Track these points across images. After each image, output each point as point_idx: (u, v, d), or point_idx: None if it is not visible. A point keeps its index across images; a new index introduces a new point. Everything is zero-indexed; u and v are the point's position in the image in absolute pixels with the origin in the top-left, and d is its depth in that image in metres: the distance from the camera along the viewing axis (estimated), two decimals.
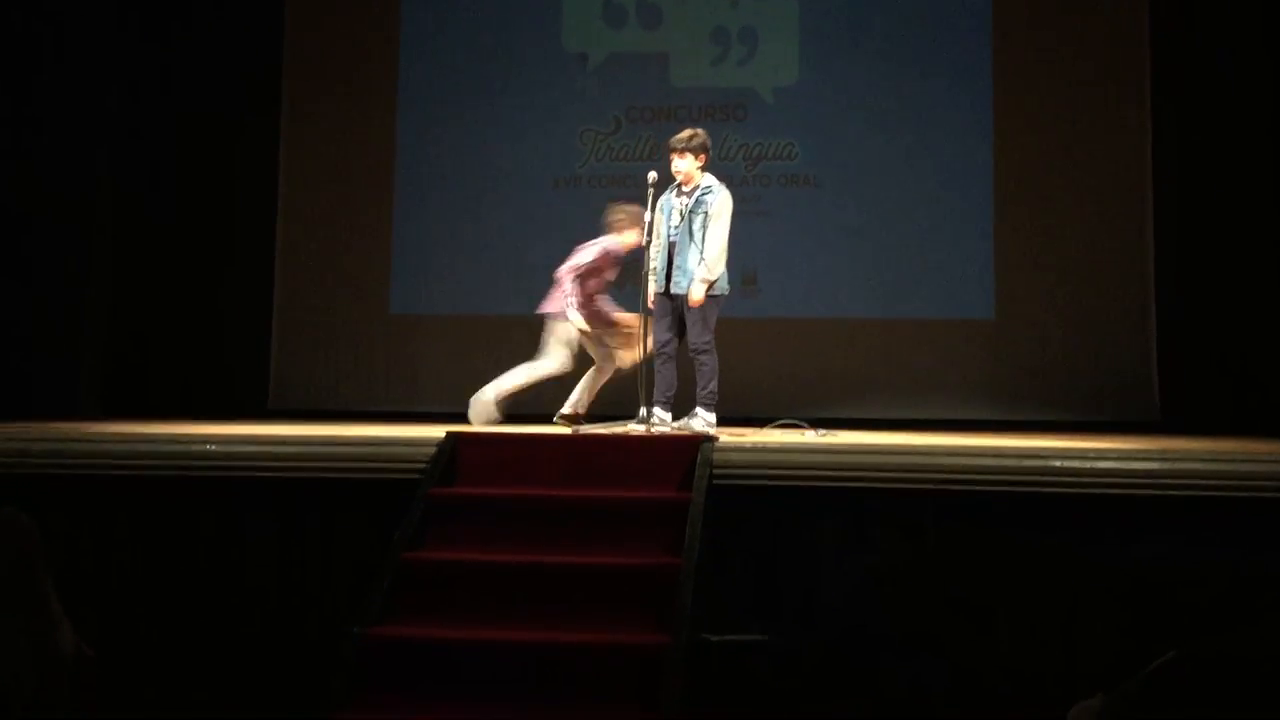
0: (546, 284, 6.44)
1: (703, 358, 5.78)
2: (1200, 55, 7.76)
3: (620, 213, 6.46)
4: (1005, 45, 8.10)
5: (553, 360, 6.48)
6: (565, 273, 6.37)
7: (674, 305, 5.86)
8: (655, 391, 5.83)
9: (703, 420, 5.72)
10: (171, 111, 8.38)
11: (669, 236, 5.84)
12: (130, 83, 8.11)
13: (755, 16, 8.34)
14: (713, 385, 5.76)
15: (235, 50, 8.43)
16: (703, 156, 5.87)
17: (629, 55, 8.41)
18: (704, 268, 5.73)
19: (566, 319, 6.37)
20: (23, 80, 7.35)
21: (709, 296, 5.75)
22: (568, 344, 6.46)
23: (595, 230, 6.50)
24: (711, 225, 5.76)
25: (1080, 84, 7.99)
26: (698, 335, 5.77)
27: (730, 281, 5.92)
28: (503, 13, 8.51)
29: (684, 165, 5.83)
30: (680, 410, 5.88)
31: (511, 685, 4.09)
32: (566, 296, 6.35)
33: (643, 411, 5.65)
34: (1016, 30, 8.11)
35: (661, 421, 5.74)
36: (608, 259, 6.42)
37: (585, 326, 6.38)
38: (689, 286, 5.74)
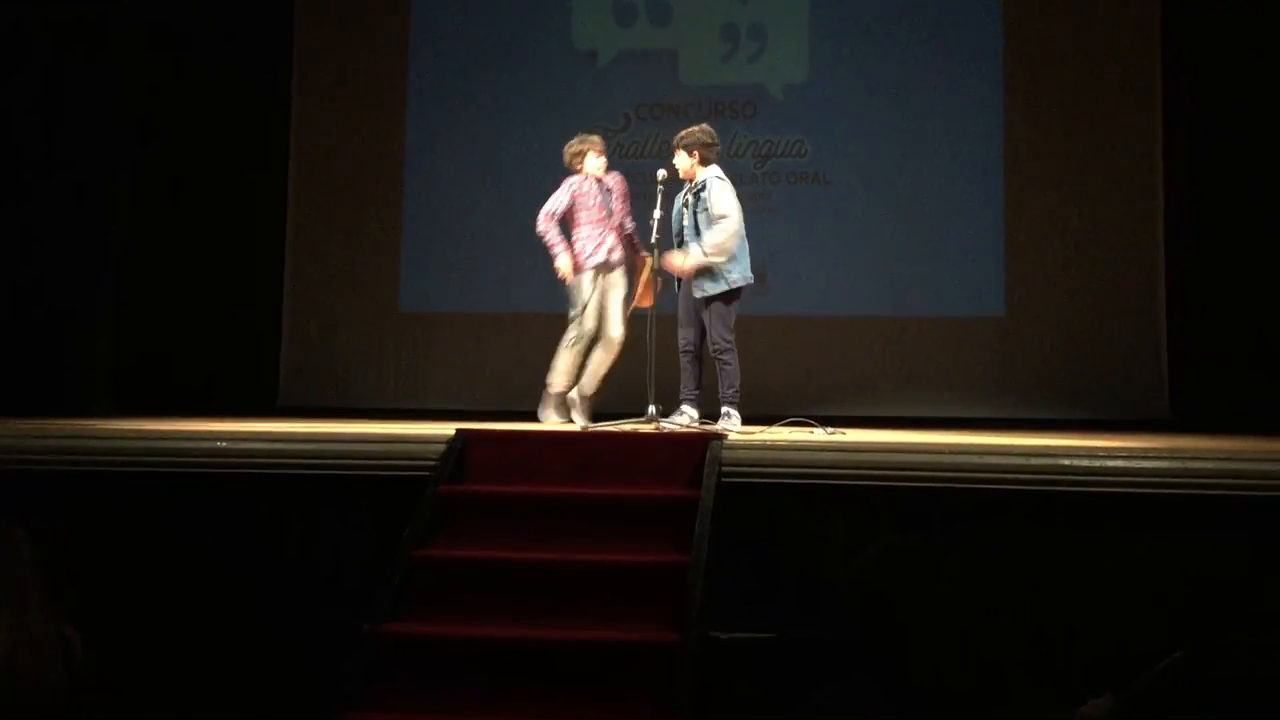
0: (556, 279, 6.37)
1: (725, 357, 5.85)
2: (1211, 50, 7.73)
3: (574, 145, 6.30)
4: (1015, 43, 8.08)
5: (573, 325, 6.20)
6: (539, 221, 6.22)
7: (692, 304, 5.91)
8: (681, 389, 5.92)
9: (736, 419, 5.80)
10: (183, 110, 8.40)
11: (681, 233, 5.89)
12: (142, 79, 8.12)
13: (765, 13, 8.33)
14: (736, 384, 5.85)
15: (244, 47, 8.45)
16: (697, 152, 5.90)
17: (639, 52, 8.41)
18: (700, 247, 5.75)
19: (566, 275, 6.16)
20: (44, 77, 7.38)
21: (725, 294, 5.81)
22: (579, 301, 6.17)
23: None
24: (716, 213, 5.78)
25: (1091, 82, 7.97)
26: (718, 334, 5.84)
27: (748, 276, 5.96)
28: (512, 10, 8.51)
29: (680, 162, 5.90)
30: (702, 409, 5.98)
31: (522, 682, 4.11)
32: (551, 246, 6.18)
33: (651, 409, 5.68)
34: (1027, 28, 8.08)
35: (693, 420, 5.80)
36: (576, 195, 6.20)
37: (567, 273, 6.13)
38: (710, 287, 5.80)
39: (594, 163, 6.26)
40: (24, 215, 7.33)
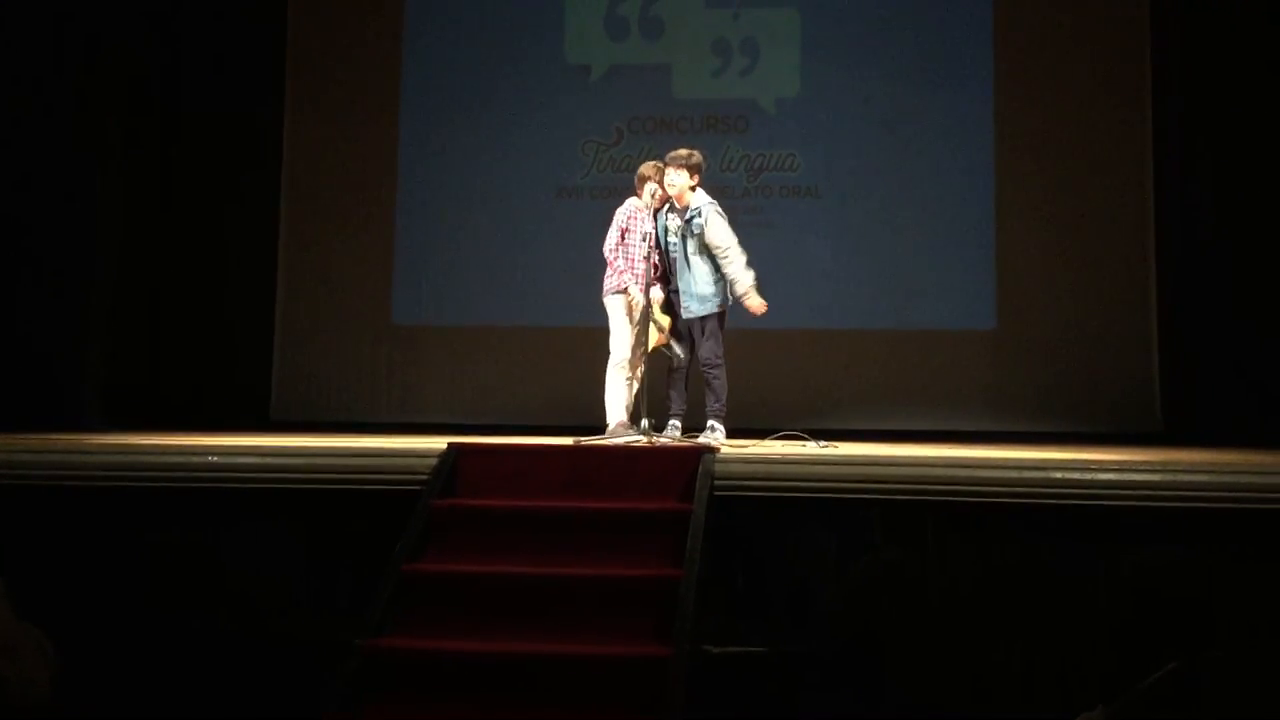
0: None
1: (715, 372, 5.88)
2: (1201, 63, 7.77)
3: (643, 169, 6.06)
4: (1006, 56, 8.13)
5: (615, 343, 5.98)
6: (608, 252, 6.00)
7: (683, 322, 5.93)
8: (672, 405, 5.93)
9: (721, 433, 5.81)
10: (175, 121, 8.40)
11: (670, 252, 5.91)
12: (133, 88, 8.11)
13: (757, 28, 8.36)
14: (724, 398, 5.87)
15: (238, 59, 8.45)
16: (696, 176, 5.91)
17: (631, 67, 8.44)
18: (737, 284, 5.81)
19: (614, 295, 5.94)
20: (27, 86, 7.36)
21: (716, 312, 5.87)
22: (623, 320, 5.95)
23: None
24: (716, 245, 5.80)
25: (1081, 94, 8.02)
26: (710, 351, 5.88)
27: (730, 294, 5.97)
28: (506, 24, 8.53)
29: (679, 180, 5.86)
30: (689, 424, 5.97)
31: (513, 697, 4.09)
32: (618, 273, 5.92)
33: (644, 423, 5.67)
34: (1017, 41, 8.13)
35: (683, 435, 5.81)
36: (633, 218, 5.97)
37: (640, 299, 5.82)
38: (697, 309, 5.86)
39: (650, 192, 6.00)
40: (12, 228, 7.31)
